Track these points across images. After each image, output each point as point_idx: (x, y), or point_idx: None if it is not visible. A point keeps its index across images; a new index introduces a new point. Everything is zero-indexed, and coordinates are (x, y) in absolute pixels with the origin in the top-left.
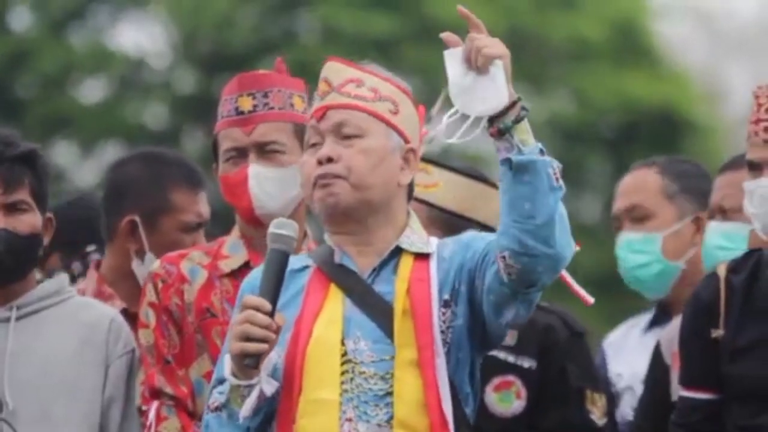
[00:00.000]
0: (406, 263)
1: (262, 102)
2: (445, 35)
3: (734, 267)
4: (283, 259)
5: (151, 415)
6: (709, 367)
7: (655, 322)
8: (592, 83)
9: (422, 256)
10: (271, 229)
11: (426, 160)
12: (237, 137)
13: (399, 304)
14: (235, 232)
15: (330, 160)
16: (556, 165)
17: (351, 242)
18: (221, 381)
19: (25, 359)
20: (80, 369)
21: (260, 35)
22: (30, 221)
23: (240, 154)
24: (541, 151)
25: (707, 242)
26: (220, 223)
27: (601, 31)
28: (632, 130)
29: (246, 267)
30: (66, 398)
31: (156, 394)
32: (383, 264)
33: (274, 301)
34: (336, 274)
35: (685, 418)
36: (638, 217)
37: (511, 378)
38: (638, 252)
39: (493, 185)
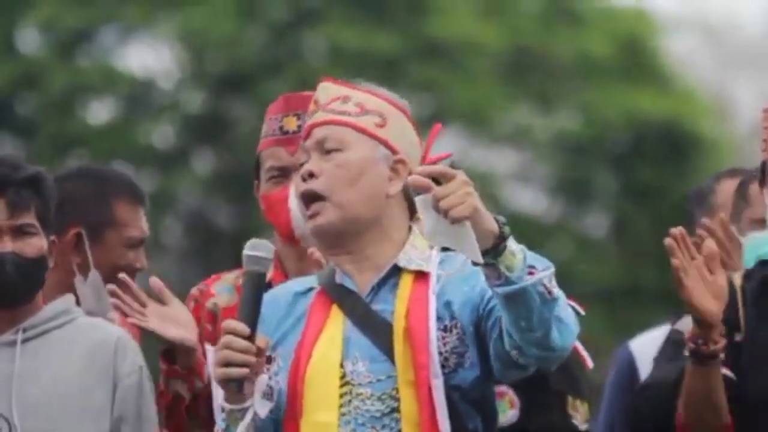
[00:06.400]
0: (405, 282)
1: None
2: (413, 180)
3: (748, 275)
4: (259, 280)
5: None
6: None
7: None
8: (598, 99)
9: (422, 274)
10: (246, 251)
11: None
12: (281, 156)
13: (399, 325)
14: None
15: (311, 175)
16: (549, 275)
17: (349, 261)
18: (223, 408)
19: (33, 381)
20: (88, 389)
21: (267, 55)
22: (37, 244)
23: (283, 173)
24: (531, 268)
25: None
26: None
27: (607, 47)
28: (639, 146)
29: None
30: (74, 419)
31: None
32: (382, 282)
33: (253, 324)
34: (337, 294)
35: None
36: None
37: (503, 389)
38: None
39: None
